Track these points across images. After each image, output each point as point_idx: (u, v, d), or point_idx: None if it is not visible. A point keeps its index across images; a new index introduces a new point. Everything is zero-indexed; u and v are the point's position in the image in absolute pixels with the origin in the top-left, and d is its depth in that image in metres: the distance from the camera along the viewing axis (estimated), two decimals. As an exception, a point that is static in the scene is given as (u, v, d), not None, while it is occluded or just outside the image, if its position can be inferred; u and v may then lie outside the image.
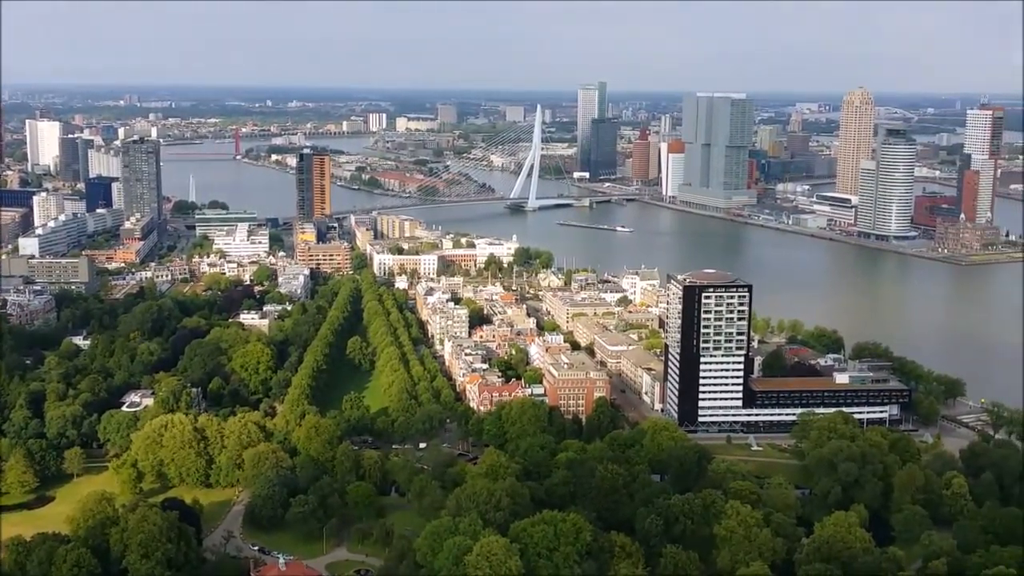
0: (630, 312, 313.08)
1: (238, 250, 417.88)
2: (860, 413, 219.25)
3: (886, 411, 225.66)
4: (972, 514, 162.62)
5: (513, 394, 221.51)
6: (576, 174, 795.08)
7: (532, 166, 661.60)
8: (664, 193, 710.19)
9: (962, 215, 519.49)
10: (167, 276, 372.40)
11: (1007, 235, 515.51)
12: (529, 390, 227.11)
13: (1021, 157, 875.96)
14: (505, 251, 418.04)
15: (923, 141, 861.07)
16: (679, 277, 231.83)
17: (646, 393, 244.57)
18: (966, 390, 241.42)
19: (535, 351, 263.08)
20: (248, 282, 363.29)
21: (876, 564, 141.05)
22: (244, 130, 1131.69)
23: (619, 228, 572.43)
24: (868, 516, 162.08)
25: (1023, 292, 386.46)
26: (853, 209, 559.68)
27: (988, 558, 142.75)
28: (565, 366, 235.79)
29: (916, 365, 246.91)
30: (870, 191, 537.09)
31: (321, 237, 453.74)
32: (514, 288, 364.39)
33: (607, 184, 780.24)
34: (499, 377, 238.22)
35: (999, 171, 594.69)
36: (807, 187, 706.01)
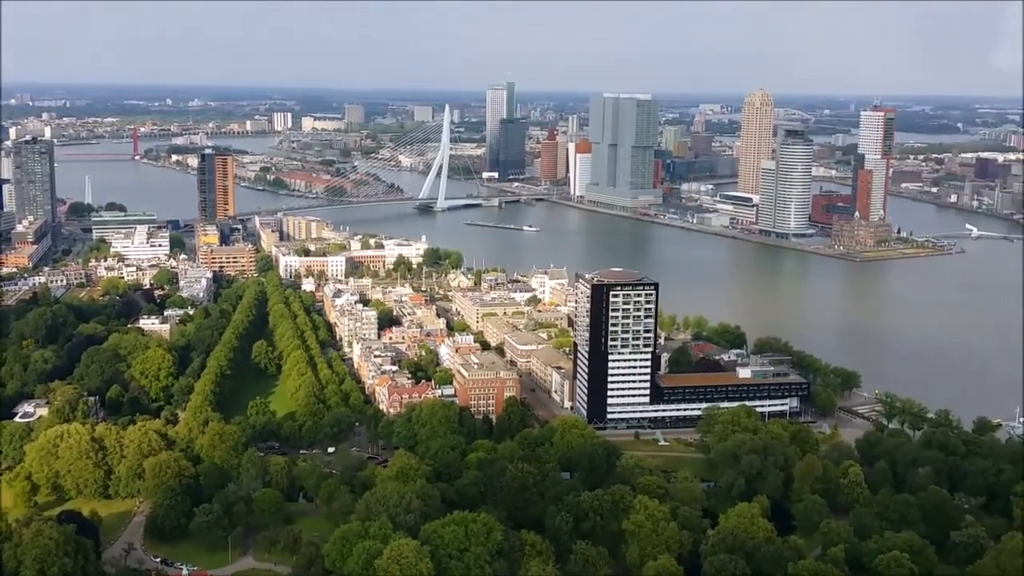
0: (539, 311, 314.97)
1: (137, 253, 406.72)
2: (762, 406, 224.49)
3: (786, 404, 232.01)
4: (868, 501, 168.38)
5: (423, 395, 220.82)
6: (485, 174, 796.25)
7: (441, 166, 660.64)
8: (572, 193, 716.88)
9: (857, 213, 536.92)
10: (62, 281, 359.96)
11: (899, 232, 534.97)
12: (439, 391, 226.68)
13: (911, 157, 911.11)
14: (414, 252, 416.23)
15: (820, 141, 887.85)
16: (587, 276, 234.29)
17: (556, 391, 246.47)
18: (861, 382, 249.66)
19: (445, 352, 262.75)
20: (148, 286, 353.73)
21: (778, 553, 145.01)
22: (143, 130, 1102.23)
23: (526, 227, 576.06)
24: (770, 506, 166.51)
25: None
26: (754, 208, 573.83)
27: (883, 543, 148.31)
28: (475, 366, 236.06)
29: (814, 359, 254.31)
30: (770, 190, 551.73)
31: (224, 239, 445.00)
32: (424, 289, 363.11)
33: (516, 184, 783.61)
34: (409, 379, 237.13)
35: (891, 170, 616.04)
36: (711, 186, 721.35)
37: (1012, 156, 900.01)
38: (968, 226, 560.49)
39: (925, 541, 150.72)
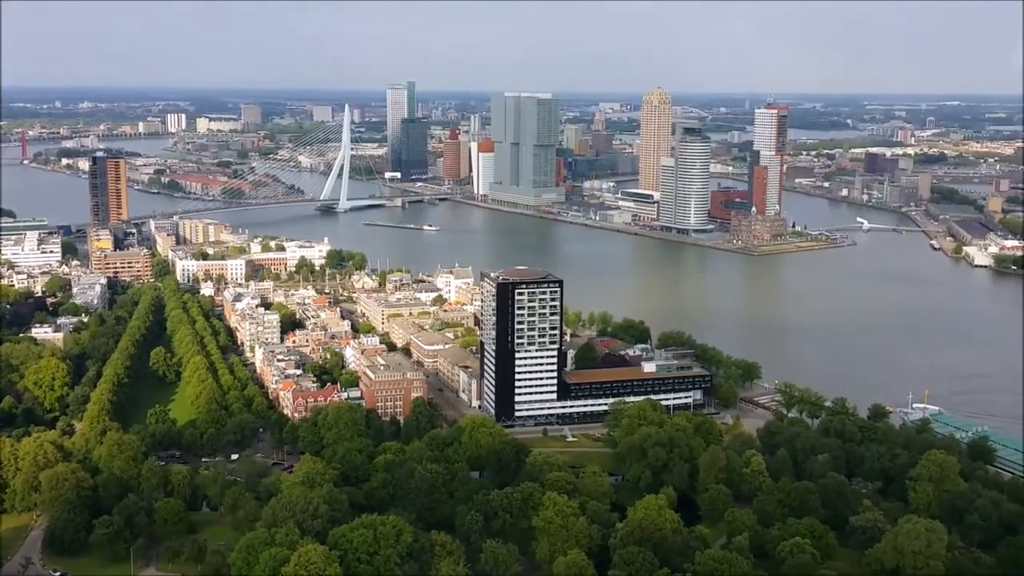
0: (445, 311, 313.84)
1: (27, 260, 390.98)
2: (667, 400, 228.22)
3: (690, 396, 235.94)
4: (770, 489, 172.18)
5: (329, 399, 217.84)
6: (388, 174, 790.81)
7: (342, 167, 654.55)
8: (476, 192, 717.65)
9: (753, 208, 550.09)
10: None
11: (794, 226, 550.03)
12: (345, 394, 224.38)
13: (804, 153, 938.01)
14: (317, 253, 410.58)
15: (717, 139, 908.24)
16: (493, 275, 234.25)
17: (463, 391, 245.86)
18: (761, 373, 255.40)
19: (350, 354, 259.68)
20: (40, 294, 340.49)
21: (685, 543, 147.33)
22: (31, 133, 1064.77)
23: (426, 227, 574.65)
24: (676, 498, 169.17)
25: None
26: (655, 204, 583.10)
27: (785, 530, 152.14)
28: (381, 368, 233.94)
29: (716, 351, 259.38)
30: (670, 187, 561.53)
31: (118, 244, 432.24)
32: (327, 291, 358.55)
33: (419, 184, 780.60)
34: (314, 382, 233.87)
35: (785, 166, 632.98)
36: (612, 184, 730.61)
37: (899, 151, 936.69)
38: (859, 219, 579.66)
39: (825, 526, 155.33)
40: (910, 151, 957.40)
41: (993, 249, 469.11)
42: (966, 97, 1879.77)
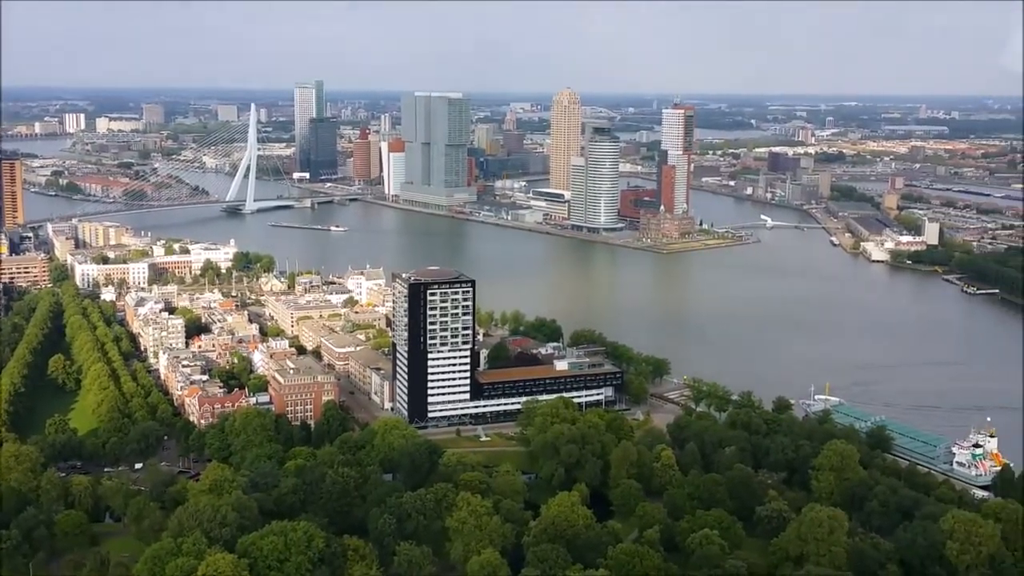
0: (357, 312, 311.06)
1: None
2: (579, 397, 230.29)
3: (602, 393, 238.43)
4: (679, 482, 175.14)
5: (236, 404, 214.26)
6: (296, 175, 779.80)
7: (248, 167, 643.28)
8: (387, 192, 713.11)
9: (662, 207, 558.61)
10: None
11: (701, 224, 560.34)
12: (254, 399, 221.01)
13: (711, 152, 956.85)
14: (223, 256, 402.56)
15: (626, 138, 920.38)
16: (404, 275, 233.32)
17: (376, 393, 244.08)
18: (670, 368, 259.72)
19: (259, 358, 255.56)
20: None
21: (597, 538, 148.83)
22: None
23: (333, 228, 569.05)
24: (589, 494, 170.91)
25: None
26: (566, 204, 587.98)
27: (695, 522, 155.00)
28: (291, 372, 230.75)
29: (626, 348, 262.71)
30: (581, 186, 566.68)
31: (14, 248, 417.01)
32: (234, 294, 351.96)
33: (329, 184, 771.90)
34: (221, 388, 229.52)
35: (692, 165, 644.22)
36: (524, 183, 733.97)
37: (800, 150, 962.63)
38: (763, 216, 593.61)
39: (733, 517, 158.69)
40: (811, 150, 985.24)
41: (889, 245, 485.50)
42: (862, 98, 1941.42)
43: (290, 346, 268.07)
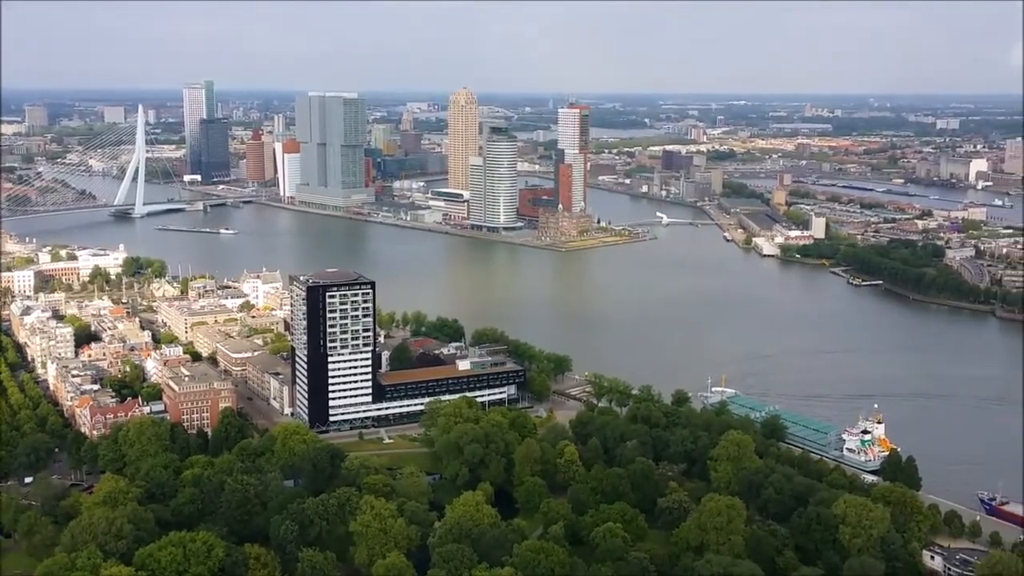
0: (254, 317, 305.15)
1: None
2: (482, 396, 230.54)
3: (505, 391, 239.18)
4: (583, 478, 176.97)
5: (130, 414, 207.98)
6: (187, 177, 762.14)
7: (137, 170, 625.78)
8: (282, 194, 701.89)
9: (560, 205, 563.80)
10: None
11: (599, 222, 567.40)
12: (148, 408, 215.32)
13: (606, 151, 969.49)
14: (112, 262, 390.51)
15: (523, 138, 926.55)
16: (302, 278, 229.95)
17: (275, 398, 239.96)
18: (572, 365, 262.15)
19: (152, 366, 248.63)
20: None
21: (503, 536, 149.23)
22: None
23: (223, 231, 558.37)
24: (494, 492, 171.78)
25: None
26: (465, 203, 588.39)
27: (598, 516, 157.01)
28: (186, 379, 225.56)
29: (528, 346, 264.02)
30: (479, 186, 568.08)
31: None
32: (125, 301, 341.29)
33: (222, 187, 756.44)
34: (113, 397, 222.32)
35: (589, 164, 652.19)
36: (422, 184, 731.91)
37: (693, 148, 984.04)
38: (659, 214, 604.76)
39: (636, 510, 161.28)
40: (703, 148, 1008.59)
41: (779, 240, 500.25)
42: (751, 97, 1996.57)
43: (184, 353, 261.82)
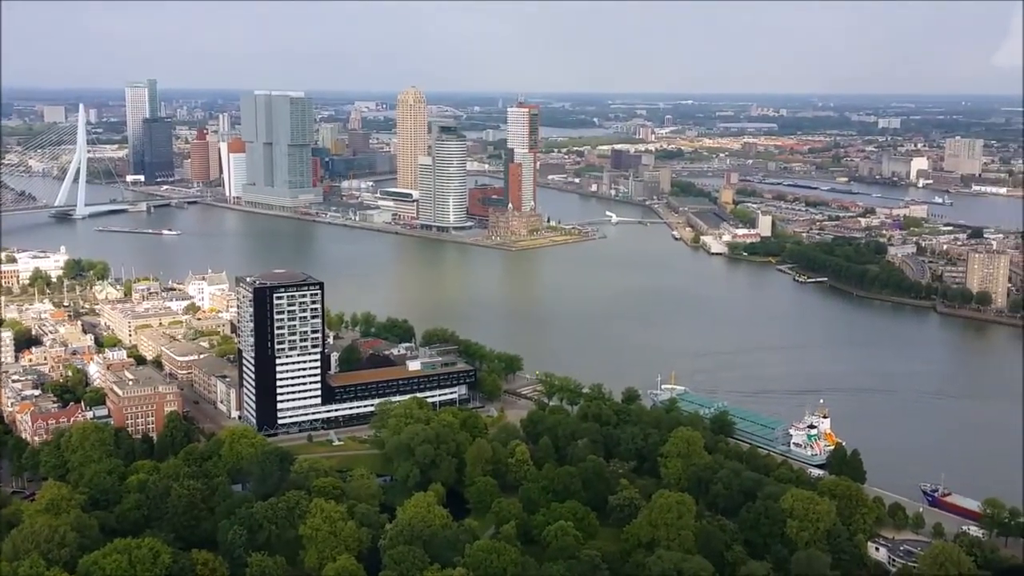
0: (199, 319, 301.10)
1: None
2: (433, 396, 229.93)
3: (456, 392, 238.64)
4: (534, 477, 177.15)
5: (72, 419, 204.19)
6: (130, 177, 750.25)
7: (78, 170, 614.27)
8: (228, 194, 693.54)
9: (510, 204, 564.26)
10: None
11: (549, 221, 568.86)
12: (91, 413, 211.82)
13: (556, 150, 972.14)
14: (53, 264, 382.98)
15: (473, 137, 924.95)
16: (248, 279, 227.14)
17: (222, 401, 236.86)
18: (523, 364, 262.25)
19: (95, 370, 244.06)
20: None
21: (454, 537, 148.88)
22: None
23: (165, 232, 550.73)
24: (445, 493, 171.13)
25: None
26: (415, 203, 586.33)
27: (550, 515, 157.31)
28: (130, 383, 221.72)
29: (479, 346, 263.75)
30: (429, 185, 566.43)
31: None
32: (66, 304, 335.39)
33: (165, 187, 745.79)
34: (55, 403, 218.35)
35: (538, 163, 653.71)
36: (371, 183, 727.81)
37: (641, 147, 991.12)
38: (608, 213, 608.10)
39: (587, 508, 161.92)
40: (651, 147, 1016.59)
41: (727, 238, 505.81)
42: (698, 96, 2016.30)
43: (128, 356, 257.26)
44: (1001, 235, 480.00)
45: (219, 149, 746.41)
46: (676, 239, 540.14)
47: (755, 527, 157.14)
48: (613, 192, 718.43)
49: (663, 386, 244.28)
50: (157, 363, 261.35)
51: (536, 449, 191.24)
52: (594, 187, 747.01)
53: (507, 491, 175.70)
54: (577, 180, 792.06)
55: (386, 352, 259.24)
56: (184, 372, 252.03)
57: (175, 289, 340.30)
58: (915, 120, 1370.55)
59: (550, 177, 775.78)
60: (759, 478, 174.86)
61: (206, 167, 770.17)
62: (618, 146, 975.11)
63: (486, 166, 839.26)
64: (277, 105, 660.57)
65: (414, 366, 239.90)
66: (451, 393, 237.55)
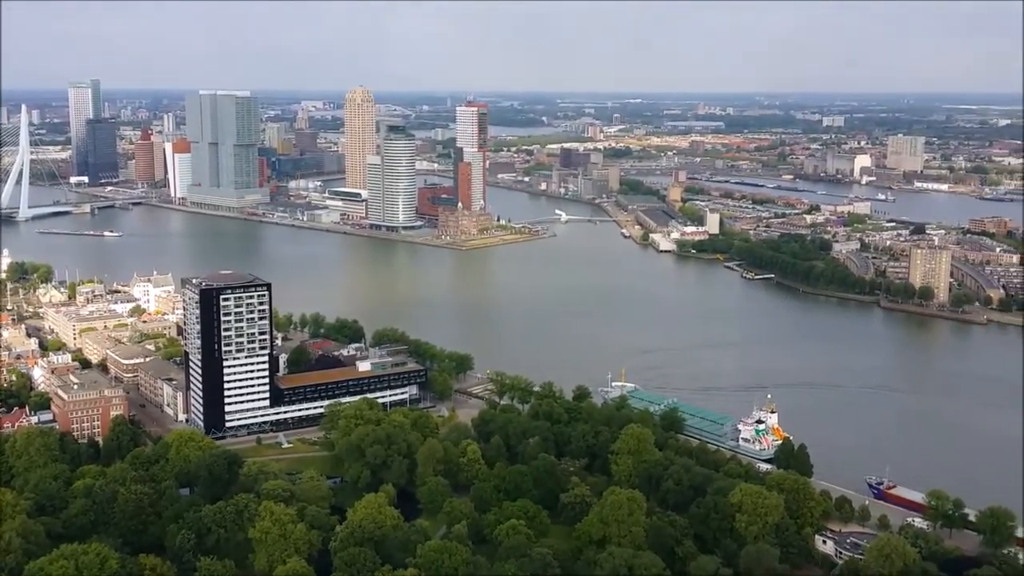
0: (145, 322, 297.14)
1: None
2: (383, 397, 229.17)
3: (406, 392, 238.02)
4: (485, 476, 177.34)
5: (16, 424, 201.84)
6: (74, 179, 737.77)
7: (21, 171, 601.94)
8: (173, 195, 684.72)
9: (460, 204, 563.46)
10: None
11: (498, 220, 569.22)
12: (35, 418, 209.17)
13: (505, 149, 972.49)
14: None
15: (421, 136, 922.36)
16: (195, 280, 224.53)
17: (168, 405, 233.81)
18: (474, 363, 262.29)
19: (39, 374, 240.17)
20: None
21: (406, 538, 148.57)
22: None
23: (107, 233, 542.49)
24: (396, 494, 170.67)
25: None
26: (364, 203, 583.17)
27: (501, 514, 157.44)
28: (75, 387, 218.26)
29: (430, 346, 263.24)
30: (378, 185, 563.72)
31: None
32: (10, 307, 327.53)
33: (110, 188, 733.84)
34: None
35: (488, 162, 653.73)
36: (319, 183, 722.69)
37: (590, 146, 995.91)
38: (557, 211, 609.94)
39: (539, 506, 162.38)
40: (600, 146, 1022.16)
41: (675, 235, 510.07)
42: (645, 95, 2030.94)
43: (73, 360, 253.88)
44: (943, 231, 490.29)
45: (164, 150, 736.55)
46: (625, 237, 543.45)
47: (705, 522, 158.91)
48: (562, 191, 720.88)
49: (614, 384, 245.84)
50: (102, 366, 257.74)
51: (487, 448, 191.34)
52: (544, 186, 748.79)
53: (458, 491, 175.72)
54: (527, 179, 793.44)
55: (335, 353, 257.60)
56: (130, 375, 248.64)
57: (120, 292, 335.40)
58: (858, 118, 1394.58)
59: (500, 176, 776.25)
60: (709, 474, 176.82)
61: (151, 168, 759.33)
62: (567, 145, 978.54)
63: (435, 165, 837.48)
64: (222, 105, 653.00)
65: (364, 367, 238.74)
66: (402, 393, 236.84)
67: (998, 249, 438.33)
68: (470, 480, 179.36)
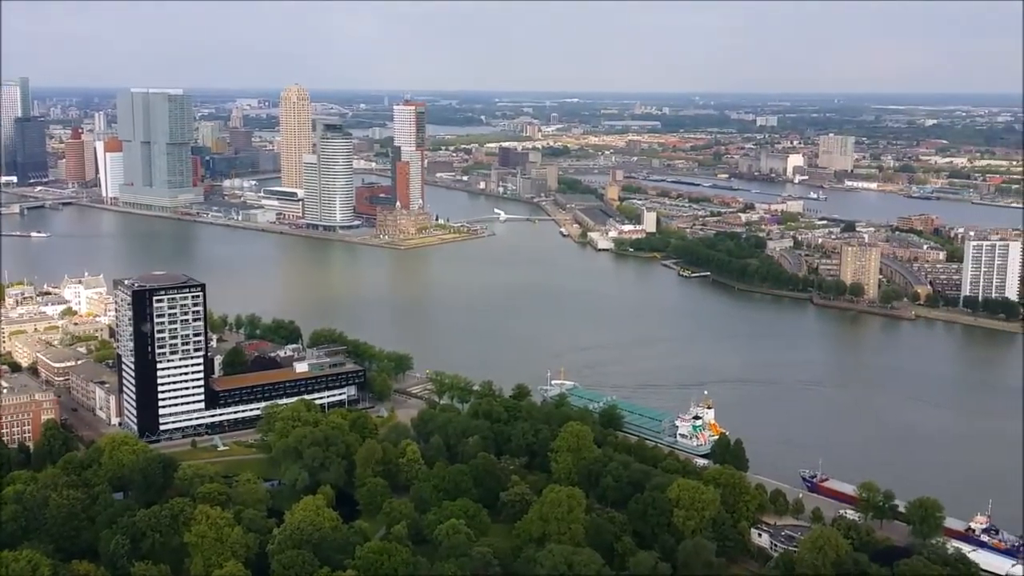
0: (76, 324, 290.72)
1: None
2: (321, 398, 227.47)
3: (345, 393, 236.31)
4: (425, 476, 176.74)
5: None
6: (2, 179, 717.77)
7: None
8: (105, 195, 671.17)
9: (398, 203, 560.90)
10: None
11: (437, 219, 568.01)
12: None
13: (444, 148, 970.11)
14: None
15: (359, 135, 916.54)
16: (127, 281, 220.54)
17: (101, 408, 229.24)
18: (413, 363, 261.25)
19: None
20: None
21: (344, 539, 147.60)
22: None
23: (34, 234, 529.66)
24: (335, 495, 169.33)
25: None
26: (300, 202, 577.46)
27: (441, 513, 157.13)
28: (4, 391, 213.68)
29: (368, 346, 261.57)
30: (314, 184, 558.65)
31: None
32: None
33: (39, 188, 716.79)
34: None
35: (426, 161, 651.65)
36: (254, 182, 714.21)
37: (528, 145, 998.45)
38: (496, 210, 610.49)
39: (478, 505, 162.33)
40: (538, 145, 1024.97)
41: (613, 234, 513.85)
42: (583, 95, 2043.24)
43: (2, 363, 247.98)
44: (872, 228, 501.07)
45: (95, 149, 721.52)
46: (564, 236, 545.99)
47: (643, 518, 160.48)
48: (501, 190, 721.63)
49: (553, 382, 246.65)
50: (33, 370, 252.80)
51: (427, 448, 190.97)
52: (482, 185, 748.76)
53: (398, 491, 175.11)
54: (465, 178, 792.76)
55: (272, 354, 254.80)
56: (61, 379, 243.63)
57: (50, 293, 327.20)
58: (791, 118, 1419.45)
59: (438, 175, 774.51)
60: (647, 470, 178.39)
61: (82, 167, 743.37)
62: (505, 144, 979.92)
63: (373, 164, 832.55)
64: (155, 103, 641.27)
65: (301, 368, 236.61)
66: (340, 394, 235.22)
67: (925, 246, 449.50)
68: (410, 480, 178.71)
